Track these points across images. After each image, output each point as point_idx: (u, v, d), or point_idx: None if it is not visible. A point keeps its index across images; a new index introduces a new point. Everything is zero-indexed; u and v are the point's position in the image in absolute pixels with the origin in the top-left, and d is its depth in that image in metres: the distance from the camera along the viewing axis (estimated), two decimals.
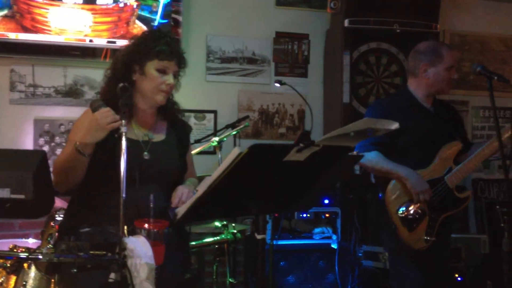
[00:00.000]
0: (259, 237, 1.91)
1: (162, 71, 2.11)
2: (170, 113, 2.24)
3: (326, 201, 4.16)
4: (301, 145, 1.70)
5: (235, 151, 1.64)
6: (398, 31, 4.33)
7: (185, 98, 4.35)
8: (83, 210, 2.09)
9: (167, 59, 2.12)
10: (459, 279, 3.97)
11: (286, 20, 4.67)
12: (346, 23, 4.26)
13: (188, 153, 2.36)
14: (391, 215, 2.77)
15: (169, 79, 2.13)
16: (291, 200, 2.07)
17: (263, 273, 3.70)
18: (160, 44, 2.12)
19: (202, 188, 1.73)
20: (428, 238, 2.74)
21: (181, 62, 2.19)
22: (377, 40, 4.52)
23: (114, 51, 3.40)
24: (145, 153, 2.12)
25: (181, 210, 1.77)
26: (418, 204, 2.73)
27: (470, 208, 4.77)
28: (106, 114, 1.89)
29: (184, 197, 2.02)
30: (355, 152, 1.92)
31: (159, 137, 2.21)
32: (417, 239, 2.75)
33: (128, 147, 1.78)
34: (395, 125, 1.89)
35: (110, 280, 1.64)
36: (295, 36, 4.67)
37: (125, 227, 1.68)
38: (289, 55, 4.65)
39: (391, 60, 4.57)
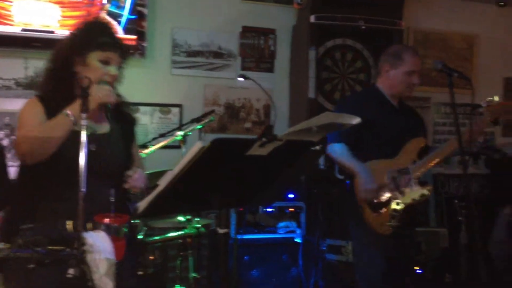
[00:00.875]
0: (221, 231, 1.91)
1: (105, 62, 2.06)
2: (114, 105, 2.14)
3: (291, 196, 4.19)
4: (264, 139, 1.71)
5: (198, 145, 1.63)
6: (363, 27, 4.37)
7: (150, 92, 4.40)
8: (29, 204, 2.02)
9: (110, 50, 2.07)
10: (419, 271, 4.05)
11: (253, 15, 4.66)
12: (312, 18, 4.29)
13: (134, 145, 2.30)
14: (358, 199, 2.83)
15: (113, 70, 2.08)
16: (254, 194, 2.08)
17: (226, 267, 3.72)
18: (103, 35, 2.08)
19: (163, 182, 1.72)
20: (392, 223, 2.81)
21: (124, 53, 2.14)
22: (343, 36, 4.56)
23: None
24: (91, 145, 2.04)
25: (142, 205, 1.75)
26: (385, 191, 2.81)
27: (430, 202, 4.88)
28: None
29: (137, 177, 2.02)
30: (318, 147, 1.92)
31: (103, 129, 2.15)
32: (381, 223, 2.82)
33: (72, 139, 1.75)
34: (356, 120, 1.91)
35: (69, 276, 1.61)
36: (262, 30, 4.68)
37: (71, 222, 1.64)
38: (255, 50, 4.66)
39: (356, 57, 4.62)
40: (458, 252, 2.74)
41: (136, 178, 2.04)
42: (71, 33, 2.15)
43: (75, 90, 2.02)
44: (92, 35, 2.08)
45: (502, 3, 5.09)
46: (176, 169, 1.68)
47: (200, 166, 1.70)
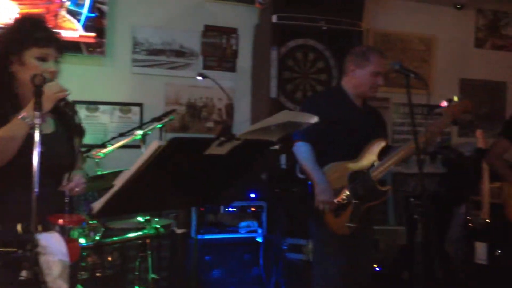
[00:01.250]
0: (179, 231, 1.89)
1: (42, 59, 1.98)
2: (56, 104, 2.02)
3: (253, 195, 4.20)
4: (222, 138, 1.70)
5: (154, 144, 1.61)
6: (324, 28, 4.41)
7: (110, 90, 4.33)
8: None
9: (46, 46, 1.98)
10: (377, 269, 4.12)
11: (215, 14, 4.65)
12: (274, 18, 4.30)
13: (76, 142, 2.23)
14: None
15: (51, 66, 2.00)
16: (214, 194, 2.07)
17: (184, 268, 3.70)
18: (37, 31, 1.99)
19: (119, 182, 1.69)
20: (351, 224, 2.84)
21: (60, 47, 2.05)
22: (305, 36, 4.58)
23: None
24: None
25: (97, 205, 1.71)
26: (345, 193, 2.84)
27: (389, 201, 4.96)
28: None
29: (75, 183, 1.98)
30: (277, 146, 1.92)
31: (48, 128, 2.06)
32: (341, 225, 2.86)
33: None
34: (315, 119, 1.93)
35: (21, 278, 1.57)
36: (224, 30, 4.67)
37: (20, 225, 1.60)
38: (217, 49, 4.64)
39: (317, 57, 4.65)
40: (414, 250, 2.81)
41: (74, 183, 1.98)
42: (3, 33, 2.04)
43: (14, 91, 1.96)
44: (25, 32, 1.99)
45: (459, 6, 5.21)
46: (133, 168, 1.66)
47: (158, 166, 1.68)
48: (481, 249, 3.88)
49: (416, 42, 5.40)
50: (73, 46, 4.03)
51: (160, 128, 3.65)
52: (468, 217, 4.07)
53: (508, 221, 3.33)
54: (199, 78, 4.00)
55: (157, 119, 3.49)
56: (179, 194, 1.94)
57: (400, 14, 5.33)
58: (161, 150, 1.61)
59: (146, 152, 1.62)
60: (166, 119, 3.44)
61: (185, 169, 1.82)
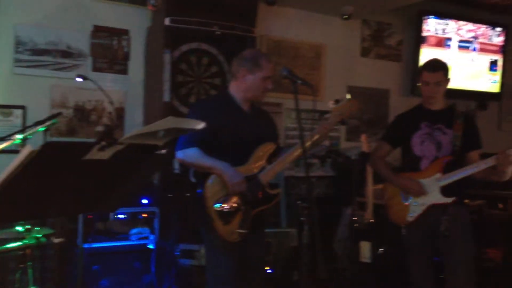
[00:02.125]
0: (56, 240, 1.79)
1: None
2: None
3: (145, 201, 4.11)
4: (103, 143, 1.64)
5: (27, 149, 1.52)
6: (217, 33, 4.43)
7: None
8: None
9: None
10: (269, 271, 4.19)
11: (105, 14, 4.51)
12: (167, 21, 4.25)
13: None
14: (208, 209, 2.83)
15: None
16: (95, 201, 1.99)
17: (70, 278, 3.53)
18: None
19: None
20: (241, 231, 2.85)
21: None
22: (198, 40, 4.58)
23: None
24: None
25: None
26: (234, 199, 2.84)
27: (282, 204, 5.07)
28: None
29: None
30: (164, 151, 1.89)
31: None
32: (231, 231, 2.85)
33: None
34: (201, 125, 1.91)
35: None
36: (115, 31, 4.54)
37: None
38: (108, 50, 4.50)
39: (211, 61, 4.66)
40: (302, 251, 2.89)
41: None
42: None
43: None
44: None
45: (346, 16, 5.46)
46: (3, 174, 1.55)
47: (33, 171, 1.58)
48: (365, 248, 4.07)
49: (307, 50, 5.58)
50: None
51: (44, 132, 3.45)
52: (354, 218, 4.25)
53: (390, 221, 3.51)
54: (79, 79, 3.83)
55: (40, 123, 3.30)
56: (60, 201, 1.84)
57: (292, 22, 5.49)
58: (35, 155, 1.52)
59: (18, 157, 1.53)
60: (49, 123, 3.26)
61: (65, 175, 1.73)
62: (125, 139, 1.72)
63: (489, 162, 3.16)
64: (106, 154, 1.71)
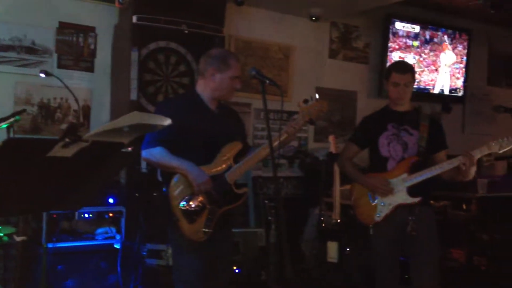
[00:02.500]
0: (18, 239, 1.75)
1: None
2: None
3: (111, 200, 4.06)
4: (67, 140, 1.61)
5: None
6: (186, 32, 4.40)
7: None
8: None
9: None
10: (237, 271, 4.18)
11: (71, 11, 4.44)
12: (134, 19, 4.19)
13: None
14: (173, 208, 2.82)
15: None
16: (59, 199, 1.95)
17: (34, 279, 3.45)
18: None
19: None
20: (206, 230, 2.84)
21: None
22: (167, 39, 4.53)
23: None
24: None
25: None
26: (199, 198, 2.82)
27: (250, 204, 5.07)
28: None
29: None
30: (129, 149, 1.86)
31: None
32: (196, 231, 2.84)
33: None
34: (167, 122, 1.89)
35: None
36: (81, 28, 4.46)
37: None
38: (74, 48, 4.42)
39: (180, 60, 4.63)
40: (269, 251, 2.89)
41: None
42: None
43: None
44: None
45: (314, 18, 5.50)
46: None
47: None
48: (332, 248, 4.11)
49: (275, 51, 5.60)
50: None
51: (7, 129, 3.38)
52: (321, 218, 4.29)
53: (357, 221, 3.55)
54: (42, 75, 3.76)
55: (3, 120, 3.23)
56: (22, 198, 1.80)
57: (261, 23, 5.49)
58: None
59: None
60: (12, 120, 3.19)
61: (27, 172, 1.69)
62: (89, 136, 1.69)
63: (454, 162, 3.23)
64: (69, 151, 1.69)
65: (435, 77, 6.47)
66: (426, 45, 6.33)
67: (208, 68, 2.98)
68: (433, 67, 6.44)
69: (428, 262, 3.31)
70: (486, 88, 7.26)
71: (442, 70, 6.52)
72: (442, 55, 6.50)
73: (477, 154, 3.21)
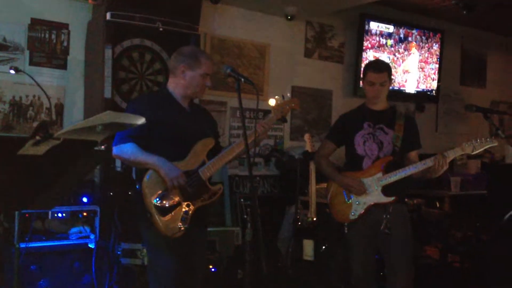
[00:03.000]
0: None
1: None
2: None
3: (85, 199, 4.00)
4: (38, 138, 1.58)
5: None
6: (161, 29, 4.36)
7: None
8: None
9: None
10: (213, 270, 4.17)
11: (44, 7, 4.36)
12: (108, 16, 4.14)
13: None
14: (147, 205, 2.79)
15: None
16: (31, 198, 1.91)
17: (6, 279, 3.39)
18: None
19: None
20: (182, 226, 2.82)
21: None
22: (141, 36, 4.49)
23: None
24: None
25: None
26: (173, 194, 2.81)
27: (226, 203, 5.06)
28: None
29: None
30: (102, 147, 1.84)
31: None
32: (171, 227, 2.82)
33: None
34: (140, 121, 1.87)
35: None
36: (54, 24, 4.39)
37: None
38: (46, 45, 4.35)
39: (154, 58, 4.59)
40: (245, 249, 2.89)
41: None
42: None
43: None
44: None
45: (290, 17, 5.51)
46: None
47: None
48: (308, 246, 4.12)
49: (251, 49, 5.59)
50: None
51: None
52: (297, 216, 4.29)
53: (332, 220, 3.57)
54: (12, 71, 3.69)
55: None
56: None
57: (237, 21, 5.48)
58: None
59: None
60: None
61: None
62: (61, 134, 1.66)
63: (428, 163, 3.27)
64: (40, 150, 1.65)
65: (409, 76, 6.54)
66: (400, 44, 6.40)
67: (179, 66, 2.97)
68: (406, 67, 6.51)
69: (402, 260, 3.35)
70: (459, 87, 7.38)
71: (415, 69, 6.60)
72: (413, 55, 6.58)
73: (451, 155, 3.27)
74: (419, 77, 6.65)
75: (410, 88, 6.57)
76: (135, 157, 2.83)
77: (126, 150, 2.83)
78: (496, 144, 3.27)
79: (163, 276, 2.88)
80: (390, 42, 6.32)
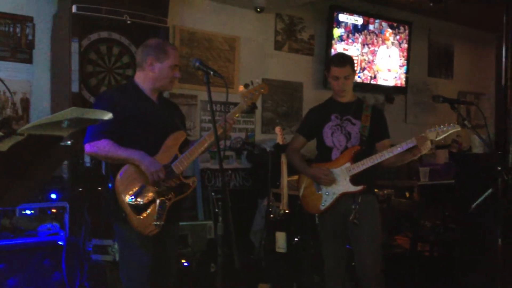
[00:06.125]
0: None
1: None
2: None
3: (53, 196, 3.94)
4: (0, 134, 1.53)
5: None
6: (128, 22, 4.29)
7: None
8: None
9: None
10: (185, 264, 4.16)
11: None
12: (74, 8, 4.04)
13: None
14: (121, 204, 2.75)
15: None
16: None
17: None
18: None
19: None
20: (158, 222, 2.79)
21: None
22: (108, 29, 4.42)
23: None
24: None
25: None
26: (148, 191, 2.78)
27: (198, 197, 5.04)
28: None
29: None
30: (68, 142, 1.79)
31: None
32: (147, 224, 2.79)
33: None
34: (108, 116, 1.83)
35: None
36: (18, 18, 4.29)
37: None
38: (10, 38, 4.24)
39: (123, 51, 4.53)
40: (217, 243, 2.89)
41: None
42: None
43: None
44: None
45: (259, 9, 5.49)
46: None
47: None
48: (281, 238, 4.14)
49: (221, 42, 5.56)
50: None
51: None
52: (269, 209, 4.31)
53: (304, 211, 3.59)
54: None
55: None
56: None
57: (206, 13, 5.44)
58: None
59: None
60: None
61: None
62: (25, 129, 1.61)
63: (394, 151, 3.31)
64: (4, 146, 1.61)
65: (378, 68, 6.61)
66: (369, 36, 6.45)
67: (146, 58, 2.93)
68: (375, 59, 6.57)
69: (370, 250, 3.39)
70: (427, 78, 7.49)
71: (384, 61, 6.67)
72: (382, 46, 6.64)
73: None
74: (388, 69, 6.72)
75: (380, 80, 6.64)
76: (113, 153, 2.78)
77: (103, 147, 2.77)
78: (458, 128, 3.33)
79: (136, 271, 2.86)
80: (359, 34, 6.36)
